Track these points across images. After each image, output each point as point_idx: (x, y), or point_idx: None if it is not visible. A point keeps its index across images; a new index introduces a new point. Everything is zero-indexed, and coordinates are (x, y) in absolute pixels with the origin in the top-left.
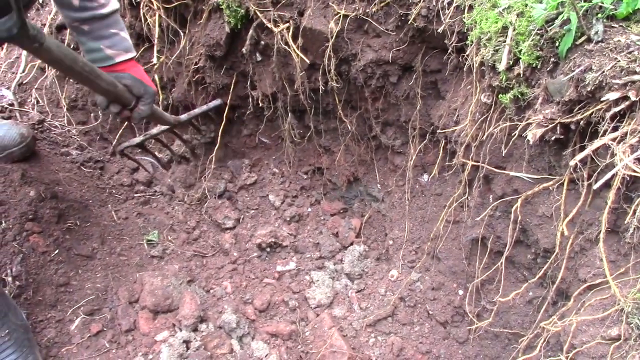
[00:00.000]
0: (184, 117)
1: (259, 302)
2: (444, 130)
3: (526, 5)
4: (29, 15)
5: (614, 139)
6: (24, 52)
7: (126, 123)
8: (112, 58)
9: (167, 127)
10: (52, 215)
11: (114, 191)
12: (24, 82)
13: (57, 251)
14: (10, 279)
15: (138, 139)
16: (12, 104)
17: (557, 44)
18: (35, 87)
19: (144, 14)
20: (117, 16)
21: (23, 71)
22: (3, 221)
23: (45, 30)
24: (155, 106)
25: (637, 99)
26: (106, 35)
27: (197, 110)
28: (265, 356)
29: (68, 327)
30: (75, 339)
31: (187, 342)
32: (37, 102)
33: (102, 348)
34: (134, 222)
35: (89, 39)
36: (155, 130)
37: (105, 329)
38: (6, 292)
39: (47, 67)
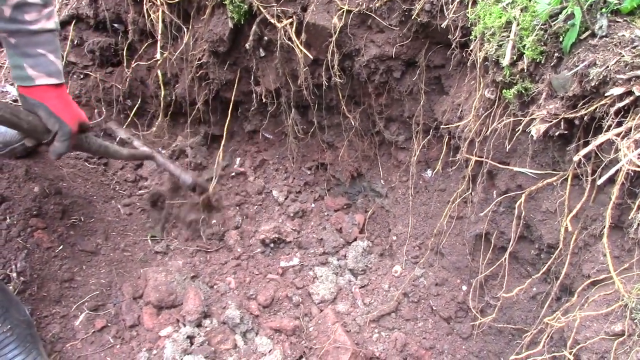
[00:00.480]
0: (153, 154)
1: (263, 298)
2: (447, 126)
3: (530, 0)
4: None
5: (618, 134)
6: None
7: (129, 120)
8: (32, 79)
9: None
10: (57, 211)
11: (117, 187)
12: None
13: (61, 247)
14: (14, 274)
15: (124, 136)
16: (16, 100)
17: (561, 39)
18: None
19: (147, 9)
20: (50, 37)
21: None
22: (7, 217)
23: None
24: (96, 140)
25: None
26: (31, 53)
27: (170, 166)
28: (269, 351)
29: (72, 322)
30: (79, 335)
31: (191, 338)
32: None
33: (107, 343)
34: (138, 217)
35: (15, 54)
36: (137, 143)
37: (109, 325)
38: (9, 287)
39: None
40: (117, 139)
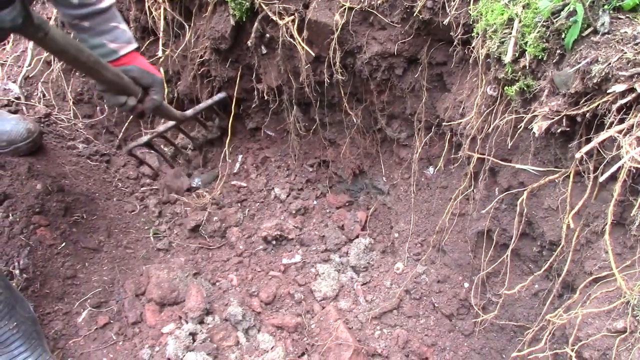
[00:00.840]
0: (189, 112)
1: (265, 295)
2: (449, 123)
3: None
4: (34, 9)
5: (620, 131)
6: (30, 46)
7: (131, 117)
8: (116, 52)
9: (174, 123)
10: (59, 208)
11: (120, 184)
12: (30, 76)
13: (63, 244)
14: (17, 271)
15: (145, 138)
16: (18, 98)
17: (563, 36)
18: (42, 80)
19: (149, 7)
20: (114, 9)
21: (29, 65)
22: (10, 214)
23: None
24: (163, 101)
25: None
26: (107, 29)
27: (202, 105)
28: (271, 348)
29: (75, 319)
30: (82, 331)
31: (193, 335)
32: (44, 95)
33: (109, 340)
34: (140, 215)
35: (91, 36)
36: (162, 127)
37: (112, 322)
38: (13, 285)
39: (53, 60)
40: (142, 142)
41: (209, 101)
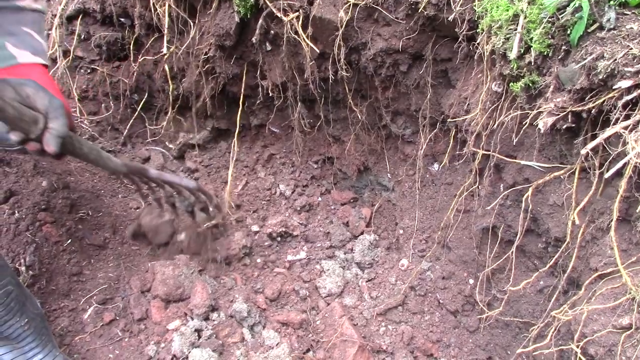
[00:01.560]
0: (144, 170)
1: (270, 291)
2: (454, 119)
3: None
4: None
5: (625, 128)
6: None
7: (136, 113)
8: (14, 57)
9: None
10: (65, 205)
11: (125, 181)
12: None
13: (69, 241)
14: (23, 268)
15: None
16: None
17: (568, 32)
18: None
19: (153, 4)
20: (37, 17)
21: None
22: (16, 211)
23: (56, 21)
24: (89, 143)
25: None
26: (15, 31)
27: (169, 177)
28: (276, 345)
29: (81, 316)
30: (88, 328)
31: (198, 331)
32: None
33: (115, 337)
34: None
35: None
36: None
37: (117, 318)
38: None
39: (58, 57)
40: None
41: (177, 179)
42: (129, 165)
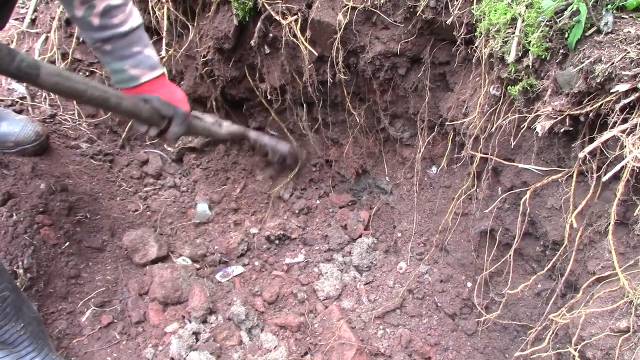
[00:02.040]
0: (246, 132)
1: (268, 294)
2: (452, 123)
3: None
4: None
5: (623, 131)
6: (36, 46)
7: None
8: (137, 78)
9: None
10: (63, 207)
11: (123, 184)
12: None
13: (67, 243)
14: (21, 271)
15: (211, 120)
16: (23, 97)
17: (566, 36)
18: None
19: (152, 7)
20: (140, 32)
21: None
22: (14, 214)
23: (55, 23)
24: (200, 121)
25: None
26: (129, 54)
27: (265, 139)
28: (274, 348)
29: (79, 318)
30: (86, 331)
31: (196, 334)
32: (49, 94)
33: (113, 339)
34: (143, 214)
35: (113, 59)
36: (226, 124)
37: (115, 321)
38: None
39: (57, 60)
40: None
41: (273, 142)
42: (232, 132)
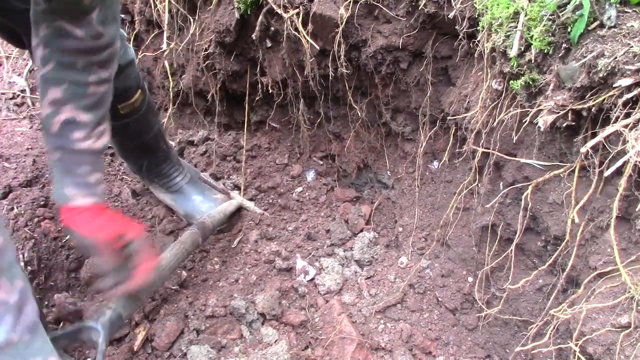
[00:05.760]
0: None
1: (269, 289)
2: (454, 117)
3: None
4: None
5: (626, 126)
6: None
7: None
8: (69, 199)
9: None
10: None
11: (124, 177)
12: (35, 69)
13: (68, 237)
14: (22, 264)
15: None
16: (23, 91)
17: (569, 30)
18: None
19: (153, 0)
20: (94, 157)
21: None
22: (15, 207)
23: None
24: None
25: None
26: (75, 172)
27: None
28: (275, 342)
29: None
30: None
31: (197, 328)
32: None
33: None
34: (144, 208)
35: (56, 170)
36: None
37: None
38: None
39: None
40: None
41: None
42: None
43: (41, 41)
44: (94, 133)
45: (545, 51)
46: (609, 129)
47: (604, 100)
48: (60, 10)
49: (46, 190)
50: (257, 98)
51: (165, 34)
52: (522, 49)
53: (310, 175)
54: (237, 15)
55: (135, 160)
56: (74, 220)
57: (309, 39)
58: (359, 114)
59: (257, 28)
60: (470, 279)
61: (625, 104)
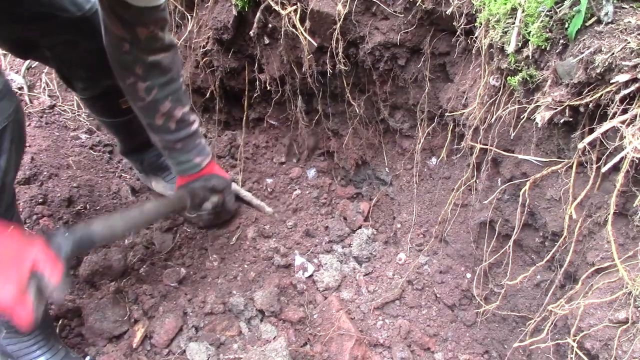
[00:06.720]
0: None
1: (268, 285)
2: (452, 113)
3: None
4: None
5: (623, 122)
6: None
7: None
8: (199, 165)
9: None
10: (62, 199)
11: (123, 174)
12: (32, 66)
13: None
14: None
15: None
16: (21, 88)
17: (566, 26)
18: (45, 71)
19: None
20: (198, 130)
21: None
22: None
23: None
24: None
25: None
26: (194, 146)
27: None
28: (274, 338)
29: None
30: None
31: (195, 325)
32: (47, 85)
33: None
34: (142, 205)
35: (181, 154)
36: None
37: None
38: None
39: None
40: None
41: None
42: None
43: (138, 78)
44: (193, 116)
45: (543, 47)
46: (607, 125)
47: (601, 96)
48: (148, 49)
49: (44, 187)
50: (255, 95)
51: None
52: (520, 45)
53: (311, 173)
54: (234, 12)
55: (137, 156)
56: (215, 170)
57: (306, 35)
58: (357, 110)
59: (254, 25)
60: (468, 275)
61: (622, 100)
